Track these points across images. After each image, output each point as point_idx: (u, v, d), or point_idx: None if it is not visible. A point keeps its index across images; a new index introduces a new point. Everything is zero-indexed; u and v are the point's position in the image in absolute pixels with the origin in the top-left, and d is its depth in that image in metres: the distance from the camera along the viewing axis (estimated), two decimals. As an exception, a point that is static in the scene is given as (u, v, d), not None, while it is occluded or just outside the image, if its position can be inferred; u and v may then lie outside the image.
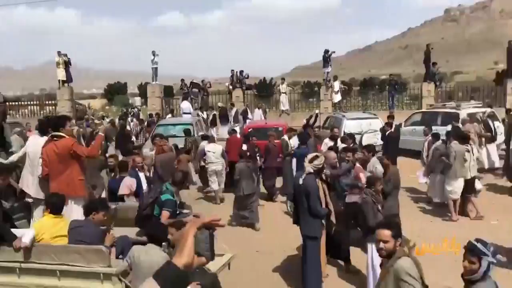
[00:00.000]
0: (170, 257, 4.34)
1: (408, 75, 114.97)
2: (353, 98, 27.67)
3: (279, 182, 11.27)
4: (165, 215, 5.53)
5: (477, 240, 3.25)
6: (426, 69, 21.19)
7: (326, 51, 21.33)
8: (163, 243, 4.22)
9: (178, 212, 5.90)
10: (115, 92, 47.84)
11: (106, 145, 12.92)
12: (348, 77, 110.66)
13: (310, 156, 5.92)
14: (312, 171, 5.72)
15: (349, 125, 14.29)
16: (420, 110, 17.19)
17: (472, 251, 3.17)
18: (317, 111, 15.34)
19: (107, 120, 19.65)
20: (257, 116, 19.58)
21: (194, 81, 22.70)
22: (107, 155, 10.22)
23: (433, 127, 12.43)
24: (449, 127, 12.40)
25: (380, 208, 5.96)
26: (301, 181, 5.74)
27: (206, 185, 11.67)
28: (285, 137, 11.28)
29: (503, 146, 11.99)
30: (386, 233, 3.50)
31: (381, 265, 3.83)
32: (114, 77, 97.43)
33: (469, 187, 9.31)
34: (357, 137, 12.24)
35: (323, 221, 6.01)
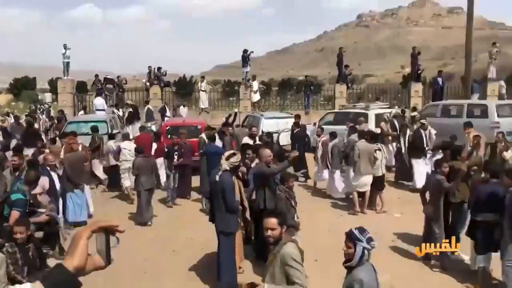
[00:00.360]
0: (6, 258, 4.28)
1: (324, 76, 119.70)
2: (272, 98, 28.24)
3: (196, 181, 11.21)
4: (14, 215, 5.36)
5: (357, 228, 3.56)
6: (338, 71, 22.23)
7: (245, 51, 21.59)
8: (5, 244, 4.11)
9: (30, 211, 5.73)
10: (22, 87, 44.67)
11: (8, 142, 12.07)
12: (268, 77, 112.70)
13: (227, 153, 5.98)
14: (228, 168, 5.78)
15: (267, 124, 14.69)
16: (333, 111, 18.00)
17: (349, 237, 3.50)
18: (236, 110, 15.49)
19: (11, 116, 18.28)
20: (183, 113, 19.52)
21: (108, 76, 21.81)
22: (8, 153, 9.49)
23: (345, 127, 13.23)
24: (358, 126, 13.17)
25: (293, 203, 6.17)
26: (217, 178, 5.77)
27: (115, 184, 11.45)
28: (203, 135, 11.26)
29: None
30: (273, 221, 3.69)
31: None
32: (22, 71, 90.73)
33: (379, 184, 9.96)
34: (275, 136, 12.62)
35: (239, 218, 6.11)
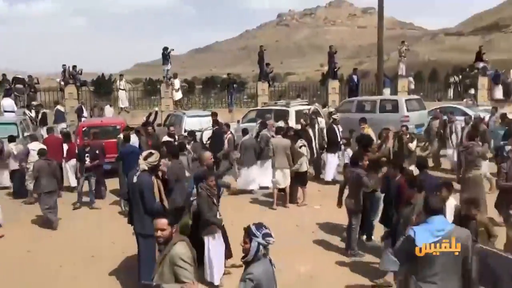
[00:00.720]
0: None
1: (248, 74, 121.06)
2: (196, 96, 28.07)
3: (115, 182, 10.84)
4: None
5: (255, 223, 3.63)
6: (260, 70, 22.57)
7: (165, 49, 21.22)
8: None
9: None
10: None
11: None
12: (191, 76, 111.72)
13: (144, 153, 5.84)
14: (146, 168, 5.65)
15: (190, 123, 14.55)
16: (255, 108, 18.24)
17: (246, 233, 3.57)
18: (156, 109, 15.14)
19: None
20: (109, 113, 18.88)
21: (18, 76, 20.36)
22: None
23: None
24: (280, 123, 13.49)
25: (215, 201, 6.17)
26: (135, 179, 5.62)
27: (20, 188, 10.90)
28: (121, 135, 10.90)
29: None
30: (163, 222, 3.71)
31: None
32: None
33: (302, 179, 10.25)
34: (198, 134, 12.52)
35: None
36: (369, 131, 11.18)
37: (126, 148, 9.64)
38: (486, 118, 14.18)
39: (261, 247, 3.48)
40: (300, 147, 10.25)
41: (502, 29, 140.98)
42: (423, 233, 3.87)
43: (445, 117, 13.25)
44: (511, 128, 10.94)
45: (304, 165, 10.16)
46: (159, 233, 3.68)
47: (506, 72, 22.73)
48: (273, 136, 10.73)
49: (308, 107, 15.21)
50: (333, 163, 11.78)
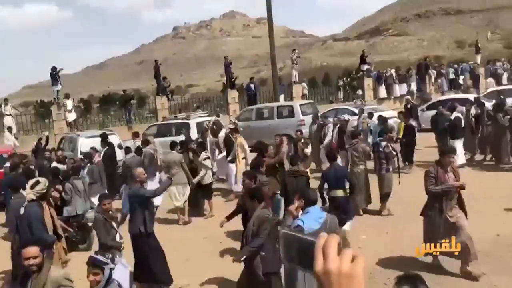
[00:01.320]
0: None
1: (148, 89, 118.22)
2: (93, 115, 26.84)
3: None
4: None
5: (96, 252, 3.70)
6: (157, 84, 22.26)
7: (54, 69, 20.01)
8: None
9: None
10: None
11: None
12: (87, 94, 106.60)
13: (31, 182, 5.48)
14: (34, 197, 5.30)
15: (86, 144, 13.84)
16: (155, 123, 17.95)
17: (94, 265, 3.56)
18: (46, 133, 14.24)
19: None
20: (9, 141, 17.39)
21: None
22: None
23: (169, 138, 13.44)
24: (181, 137, 13.43)
25: (114, 224, 5.96)
26: (22, 211, 5.24)
27: None
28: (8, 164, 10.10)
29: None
30: (33, 250, 3.64)
31: None
32: None
33: (207, 192, 10.24)
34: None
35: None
36: (241, 140, 11.35)
37: (8, 179, 8.93)
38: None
39: (111, 271, 3.49)
40: (204, 159, 10.23)
41: (383, 33, 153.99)
42: (309, 221, 4.21)
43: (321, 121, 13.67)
44: (386, 126, 11.95)
45: (207, 177, 10.17)
46: (31, 261, 3.57)
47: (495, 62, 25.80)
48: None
49: (209, 118, 15.33)
50: (234, 171, 11.83)
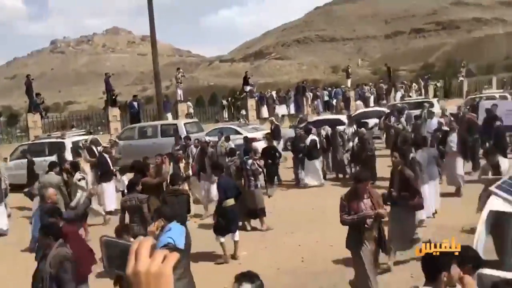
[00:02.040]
0: None
1: (21, 106, 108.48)
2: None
3: None
4: None
5: None
6: (29, 100, 20.54)
7: None
8: None
9: None
10: None
11: None
12: None
13: None
14: None
15: None
16: (26, 143, 16.55)
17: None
18: None
19: None
20: None
21: None
22: None
23: (42, 158, 12.55)
24: (54, 157, 12.59)
25: None
26: None
27: None
28: None
29: None
30: None
31: None
32: None
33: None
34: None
35: None
36: (81, 161, 11.09)
37: None
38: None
39: None
40: (79, 180, 9.65)
41: (266, 56, 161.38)
42: (177, 236, 4.34)
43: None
44: (249, 145, 12.30)
45: (82, 200, 9.58)
46: None
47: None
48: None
49: (86, 137, 14.57)
50: (108, 191, 11.26)
